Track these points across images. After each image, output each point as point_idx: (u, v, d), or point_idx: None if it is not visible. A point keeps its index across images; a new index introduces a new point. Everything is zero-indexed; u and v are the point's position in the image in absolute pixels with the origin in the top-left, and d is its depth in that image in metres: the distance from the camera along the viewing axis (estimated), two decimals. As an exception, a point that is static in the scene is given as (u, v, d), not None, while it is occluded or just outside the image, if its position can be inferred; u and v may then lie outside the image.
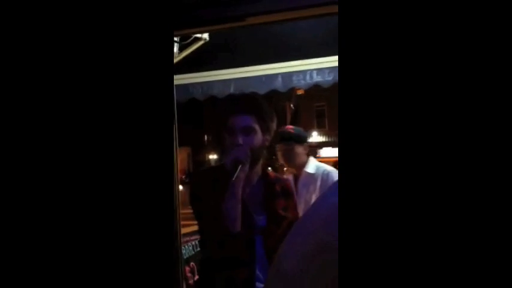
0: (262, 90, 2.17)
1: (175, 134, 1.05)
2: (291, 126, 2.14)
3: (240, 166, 1.04)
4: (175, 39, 1.88)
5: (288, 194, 1.19)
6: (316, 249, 0.48)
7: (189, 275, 1.72)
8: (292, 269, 0.52)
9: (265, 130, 1.12)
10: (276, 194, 1.16)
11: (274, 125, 1.15)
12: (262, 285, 1.07)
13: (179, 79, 2.28)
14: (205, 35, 2.01)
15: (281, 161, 2.02)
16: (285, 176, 1.69)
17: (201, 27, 0.97)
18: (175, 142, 1.06)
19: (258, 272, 1.09)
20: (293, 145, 1.95)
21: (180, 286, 1.21)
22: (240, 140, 1.07)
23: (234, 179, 1.03)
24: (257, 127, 1.10)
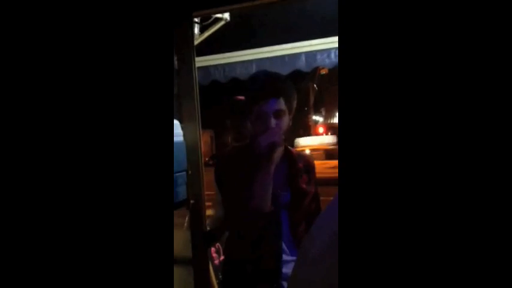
0: (285, 71, 2.13)
1: (199, 118, 1.05)
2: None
3: (277, 148, 1.06)
4: (196, 20, 1.86)
5: (309, 169, 1.23)
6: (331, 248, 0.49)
7: (214, 255, 1.75)
8: (319, 255, 0.52)
9: (290, 110, 1.13)
10: (299, 170, 1.19)
11: (295, 104, 1.16)
12: (288, 258, 1.11)
13: (200, 61, 2.27)
14: (226, 15, 1.98)
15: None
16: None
17: (220, 6, 0.95)
18: (199, 125, 1.06)
19: (284, 246, 1.13)
20: None
21: (207, 267, 1.23)
22: (273, 123, 1.08)
23: (270, 161, 1.05)
24: (285, 109, 1.10)
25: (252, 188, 1.05)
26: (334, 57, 2.05)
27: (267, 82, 1.11)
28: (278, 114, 1.08)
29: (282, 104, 1.09)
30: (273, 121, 1.07)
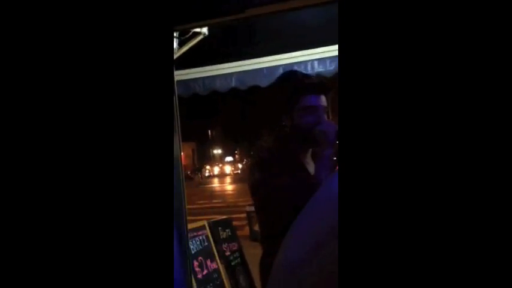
0: (264, 83, 2.15)
1: (179, 130, 1.05)
2: None
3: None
4: (175, 34, 1.87)
5: None
6: (326, 236, 0.48)
7: (197, 269, 1.73)
8: (298, 259, 0.52)
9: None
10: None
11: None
12: None
13: (180, 75, 2.27)
14: (205, 30, 1.99)
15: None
16: None
17: (200, 21, 0.96)
18: (179, 138, 1.06)
19: None
20: None
21: (190, 279, 1.21)
22: (325, 117, 1.10)
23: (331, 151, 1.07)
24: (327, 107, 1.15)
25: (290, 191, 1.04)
26: (310, 69, 2.10)
27: (308, 80, 1.15)
28: (325, 109, 1.11)
29: (325, 102, 1.13)
30: (323, 115, 1.09)
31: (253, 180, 1.15)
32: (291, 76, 1.21)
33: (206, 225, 1.83)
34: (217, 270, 1.72)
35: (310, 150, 1.17)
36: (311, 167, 1.13)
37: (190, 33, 1.95)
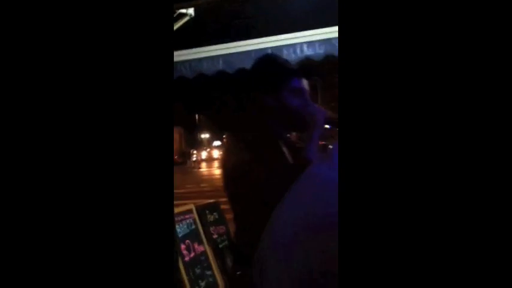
0: (251, 66, 2.13)
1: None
2: None
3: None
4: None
5: None
6: (310, 221, 0.49)
7: (185, 252, 1.74)
8: (285, 234, 0.52)
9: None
10: None
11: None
12: None
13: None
14: (191, 10, 1.95)
15: None
16: None
17: (186, 1, 0.93)
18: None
19: None
20: None
21: (176, 263, 1.21)
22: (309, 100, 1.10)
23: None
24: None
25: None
26: (299, 52, 2.08)
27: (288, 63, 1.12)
28: (309, 95, 1.09)
29: (308, 86, 1.11)
30: (309, 99, 1.08)
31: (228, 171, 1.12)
32: (272, 60, 1.19)
33: (193, 208, 1.83)
34: (204, 253, 1.73)
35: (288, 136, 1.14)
36: (289, 156, 1.11)
37: (176, 13, 1.90)
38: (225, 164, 1.11)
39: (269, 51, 2.09)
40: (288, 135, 1.15)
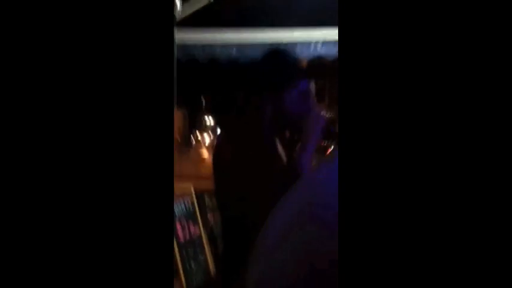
0: (260, 59, 2.11)
1: (174, 95, 1.03)
2: None
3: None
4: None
5: None
6: (300, 219, 0.48)
7: (179, 233, 1.77)
8: (273, 237, 0.51)
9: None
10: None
11: None
12: None
13: (180, 38, 2.22)
14: (211, -5, 1.93)
15: None
16: None
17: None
18: (174, 103, 1.05)
19: None
20: None
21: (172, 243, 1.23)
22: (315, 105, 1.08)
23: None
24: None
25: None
26: (313, 50, 2.07)
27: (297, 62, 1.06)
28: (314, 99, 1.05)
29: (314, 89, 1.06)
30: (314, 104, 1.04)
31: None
32: (282, 56, 1.14)
33: (192, 189, 1.84)
34: (199, 236, 1.75)
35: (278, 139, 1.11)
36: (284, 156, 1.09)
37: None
38: (214, 160, 1.11)
39: (282, 46, 2.08)
40: (282, 138, 1.12)
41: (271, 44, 2.07)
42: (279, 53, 1.11)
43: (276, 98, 1.05)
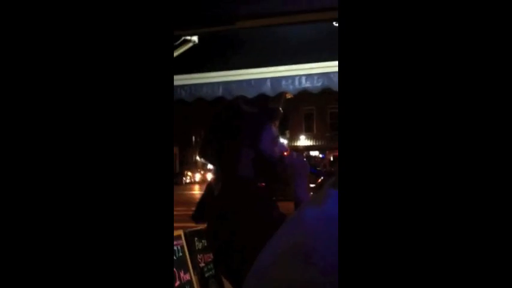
0: (251, 94, 2.16)
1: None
2: None
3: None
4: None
5: None
6: (289, 249, 0.47)
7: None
8: (265, 260, 0.51)
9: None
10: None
11: None
12: None
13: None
14: (195, 38, 1.99)
15: None
16: None
17: (190, 29, 0.96)
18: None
19: None
20: None
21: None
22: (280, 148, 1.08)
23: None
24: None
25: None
26: (298, 84, 2.11)
27: (260, 105, 1.09)
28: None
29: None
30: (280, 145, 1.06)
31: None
32: (234, 108, 1.13)
33: (182, 235, 1.79)
34: (189, 282, 1.68)
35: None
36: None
37: (181, 40, 1.95)
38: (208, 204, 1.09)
39: (268, 81, 2.12)
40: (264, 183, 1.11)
41: (256, 80, 2.12)
42: (233, 108, 1.10)
43: (251, 149, 1.05)
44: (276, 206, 1.05)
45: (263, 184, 1.11)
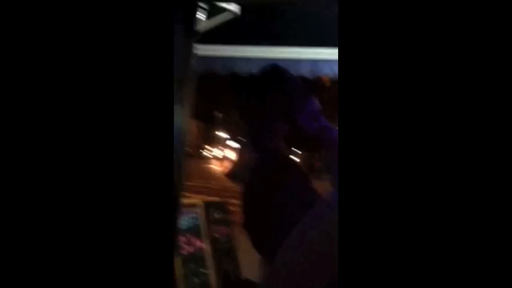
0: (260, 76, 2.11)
1: (191, 107, 1.02)
2: None
3: None
4: (204, 6, 1.83)
5: None
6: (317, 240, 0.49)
7: (184, 245, 1.73)
8: (295, 257, 0.52)
9: None
10: None
11: None
12: None
13: (202, 50, 2.24)
14: (236, 9, 1.95)
15: None
16: None
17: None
18: (189, 114, 1.03)
19: None
20: None
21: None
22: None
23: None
24: None
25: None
26: (336, 68, 2.06)
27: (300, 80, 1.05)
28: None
29: None
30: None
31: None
32: (279, 73, 1.10)
33: (202, 204, 1.82)
34: (203, 251, 1.71)
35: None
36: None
37: (223, 10, 1.91)
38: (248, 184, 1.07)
39: (304, 64, 2.07)
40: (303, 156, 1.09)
41: (292, 61, 2.07)
42: (279, 74, 1.07)
43: (290, 122, 1.02)
44: (307, 183, 1.03)
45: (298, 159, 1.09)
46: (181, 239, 1.67)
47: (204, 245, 1.74)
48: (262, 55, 2.17)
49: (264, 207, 0.97)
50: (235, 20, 2.00)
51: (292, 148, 1.06)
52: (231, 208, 2.02)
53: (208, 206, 1.87)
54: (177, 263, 1.57)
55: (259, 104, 1.04)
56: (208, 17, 2.05)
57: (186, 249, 1.66)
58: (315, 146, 1.04)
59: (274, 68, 1.11)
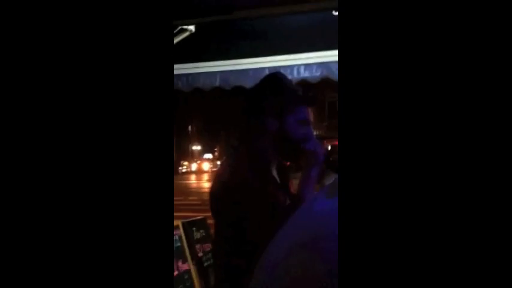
0: (248, 84, 2.14)
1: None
2: None
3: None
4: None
5: None
6: (301, 253, 0.47)
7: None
8: (277, 258, 0.51)
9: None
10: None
11: None
12: None
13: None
14: (192, 27, 1.96)
15: None
16: None
17: (187, 18, 0.94)
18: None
19: None
20: None
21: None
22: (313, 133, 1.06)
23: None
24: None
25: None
26: (296, 74, 2.10)
27: (297, 88, 1.06)
28: (312, 127, 1.05)
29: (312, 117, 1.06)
30: (312, 132, 1.04)
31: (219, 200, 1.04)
32: (277, 79, 1.12)
33: (180, 225, 1.80)
34: (188, 272, 1.69)
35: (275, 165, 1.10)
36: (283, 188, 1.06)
37: (178, 29, 1.92)
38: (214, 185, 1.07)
39: (266, 71, 2.11)
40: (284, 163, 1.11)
41: (254, 70, 2.10)
42: (276, 77, 1.09)
43: (279, 122, 1.03)
44: (287, 187, 1.04)
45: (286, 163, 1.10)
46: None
47: (188, 266, 1.72)
48: (223, 69, 2.19)
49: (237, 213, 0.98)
50: (191, 37, 2.01)
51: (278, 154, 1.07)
52: (211, 222, 2.01)
53: (187, 225, 1.85)
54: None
55: (258, 121, 1.05)
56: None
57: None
58: (296, 154, 1.05)
59: (273, 74, 1.13)
